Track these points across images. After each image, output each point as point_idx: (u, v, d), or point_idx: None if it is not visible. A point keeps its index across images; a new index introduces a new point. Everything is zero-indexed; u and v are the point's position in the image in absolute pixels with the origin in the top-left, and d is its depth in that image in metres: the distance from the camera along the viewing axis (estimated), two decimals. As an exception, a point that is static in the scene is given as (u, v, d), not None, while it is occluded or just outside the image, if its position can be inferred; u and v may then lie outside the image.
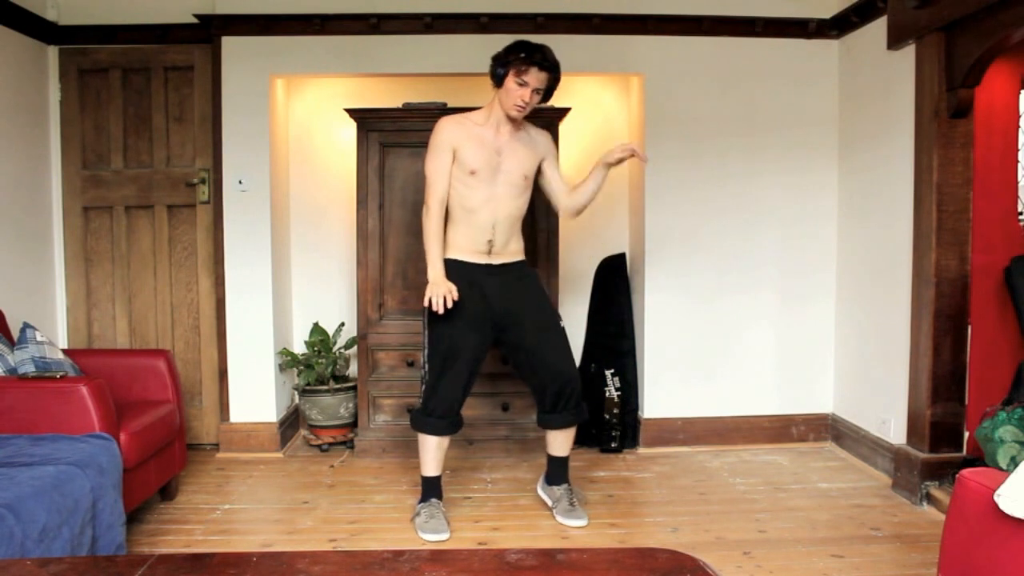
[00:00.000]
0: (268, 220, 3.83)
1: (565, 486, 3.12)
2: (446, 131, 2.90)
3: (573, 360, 3.08)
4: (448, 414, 2.96)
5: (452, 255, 2.94)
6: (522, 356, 3.03)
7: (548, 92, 2.90)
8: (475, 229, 2.92)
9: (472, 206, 2.91)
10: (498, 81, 2.86)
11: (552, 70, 2.83)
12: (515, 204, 2.97)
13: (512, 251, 3.01)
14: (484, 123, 2.94)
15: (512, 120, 2.91)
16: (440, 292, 2.80)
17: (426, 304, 2.84)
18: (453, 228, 2.96)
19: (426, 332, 2.99)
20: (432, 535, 2.88)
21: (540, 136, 3.06)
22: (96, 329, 3.98)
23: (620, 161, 2.99)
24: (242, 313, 3.85)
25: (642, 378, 4.00)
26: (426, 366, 3.00)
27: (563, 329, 3.06)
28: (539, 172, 3.07)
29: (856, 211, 3.83)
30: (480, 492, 3.38)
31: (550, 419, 3.06)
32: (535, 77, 2.80)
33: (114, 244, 3.95)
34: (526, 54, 2.80)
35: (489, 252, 2.95)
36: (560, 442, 3.10)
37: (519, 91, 2.81)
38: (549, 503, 3.13)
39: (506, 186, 2.92)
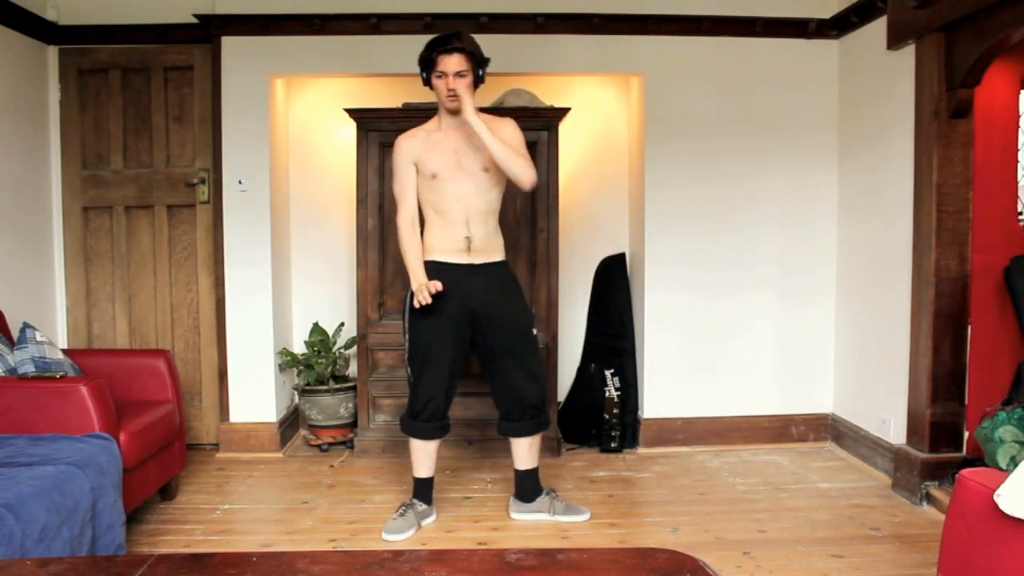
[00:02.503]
0: (268, 220, 3.83)
1: (543, 494, 3.11)
2: (403, 149, 2.95)
3: (539, 374, 3.08)
4: (432, 417, 2.97)
5: (432, 257, 2.95)
6: (488, 363, 3.05)
7: (476, 74, 2.88)
8: (451, 228, 2.93)
9: (444, 208, 2.92)
10: (428, 84, 2.91)
11: (460, 50, 2.82)
12: (485, 199, 2.95)
13: (492, 249, 3.00)
14: (437, 129, 2.97)
15: (454, 113, 2.90)
16: (422, 289, 2.82)
17: (416, 304, 2.85)
18: (430, 231, 2.97)
19: (406, 336, 3.00)
20: (388, 534, 2.89)
21: (496, 123, 2.96)
22: (96, 329, 3.97)
23: None
24: (242, 313, 3.85)
25: (642, 378, 4.00)
26: (408, 368, 3.02)
27: (535, 338, 3.07)
28: None
29: (856, 210, 3.83)
30: (480, 492, 3.38)
31: (509, 427, 3.06)
32: (446, 63, 2.82)
33: (114, 244, 3.94)
34: (430, 47, 2.86)
35: (468, 250, 2.94)
36: (524, 453, 3.07)
37: (441, 83, 2.85)
38: (540, 517, 3.07)
39: (470, 182, 2.92)
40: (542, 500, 3.09)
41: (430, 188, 2.92)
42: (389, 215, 3.78)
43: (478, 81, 2.91)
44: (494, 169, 2.93)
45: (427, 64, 2.87)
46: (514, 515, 3.09)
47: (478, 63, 2.88)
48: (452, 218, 2.92)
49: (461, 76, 2.83)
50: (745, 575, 2.58)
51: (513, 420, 3.04)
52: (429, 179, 2.91)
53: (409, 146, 2.95)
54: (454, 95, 2.83)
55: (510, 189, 3.09)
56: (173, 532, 2.95)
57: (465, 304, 2.94)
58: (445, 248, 2.94)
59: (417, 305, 2.84)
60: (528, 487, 3.09)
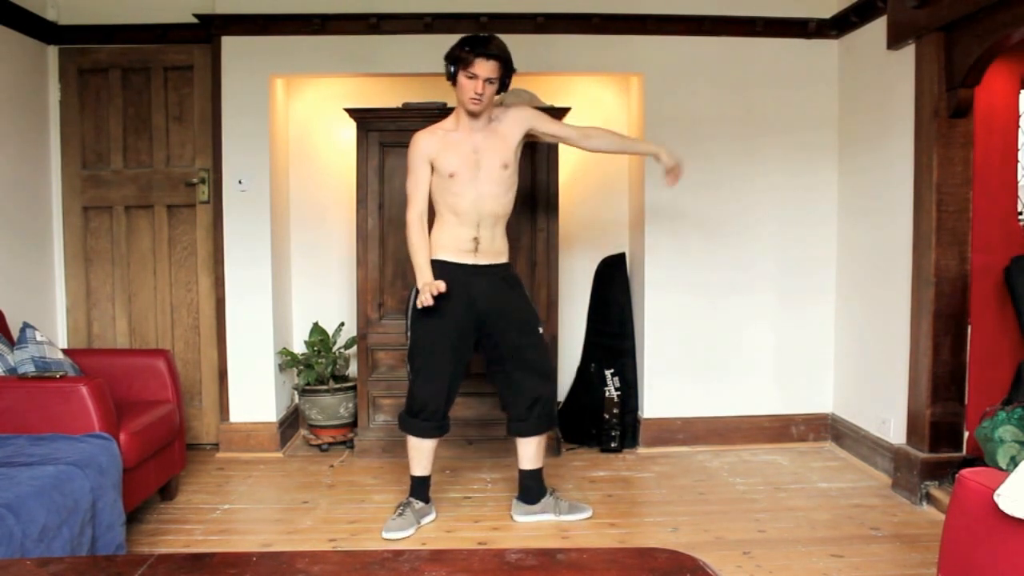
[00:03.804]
0: (268, 220, 3.83)
1: (547, 495, 3.10)
2: (420, 145, 2.92)
3: (548, 372, 3.08)
4: (433, 416, 2.96)
5: (438, 256, 2.94)
6: (497, 362, 3.04)
7: (503, 83, 2.90)
8: (461, 228, 2.92)
9: (458, 208, 2.91)
10: (452, 80, 2.89)
11: (497, 58, 2.83)
12: (501, 201, 2.96)
13: (497, 251, 3.00)
14: (456, 128, 2.95)
15: (474, 115, 2.91)
16: (426, 289, 2.80)
17: (419, 304, 2.84)
18: (440, 228, 2.96)
19: (408, 333, 3.01)
20: (388, 533, 2.89)
21: (510, 114, 3.00)
22: (96, 329, 3.97)
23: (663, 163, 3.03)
24: (242, 313, 3.85)
25: (642, 378, 4.00)
26: (409, 366, 3.02)
27: (542, 336, 3.07)
28: (535, 137, 3.06)
29: (856, 211, 3.83)
30: (480, 492, 3.38)
31: (520, 427, 3.04)
32: (482, 67, 2.81)
33: (114, 244, 3.95)
34: (469, 47, 2.83)
35: (475, 251, 2.94)
36: (531, 453, 3.06)
37: (470, 84, 2.83)
38: (545, 518, 3.05)
39: (489, 183, 2.92)
40: (546, 501, 3.08)
41: (447, 188, 2.91)
42: (389, 215, 3.78)
43: (502, 88, 2.92)
44: (513, 167, 2.96)
45: (459, 62, 2.83)
46: (518, 518, 3.06)
47: (507, 71, 2.89)
48: (465, 219, 2.91)
49: (490, 83, 2.84)
50: (745, 575, 2.58)
51: (522, 420, 3.03)
52: (446, 178, 2.90)
53: (427, 143, 2.92)
54: (478, 99, 2.83)
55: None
56: (173, 532, 2.95)
57: (469, 304, 2.93)
58: (452, 248, 2.94)
59: (420, 306, 2.84)
60: (533, 488, 3.07)
